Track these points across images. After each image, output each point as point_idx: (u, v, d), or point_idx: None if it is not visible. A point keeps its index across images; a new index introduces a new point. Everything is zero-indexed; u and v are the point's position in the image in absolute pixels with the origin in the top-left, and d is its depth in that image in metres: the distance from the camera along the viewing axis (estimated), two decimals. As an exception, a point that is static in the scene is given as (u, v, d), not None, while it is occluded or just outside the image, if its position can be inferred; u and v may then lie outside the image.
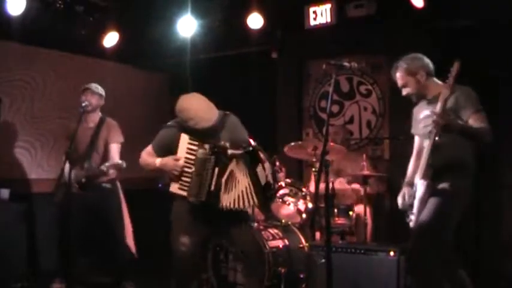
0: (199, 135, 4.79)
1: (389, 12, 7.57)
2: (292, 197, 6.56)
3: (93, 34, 8.10)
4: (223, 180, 4.68)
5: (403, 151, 7.71)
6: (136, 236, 6.98)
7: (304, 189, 6.59)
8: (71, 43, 8.19)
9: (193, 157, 4.80)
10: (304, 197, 6.52)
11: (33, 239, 7.67)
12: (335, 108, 8.63)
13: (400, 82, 4.98)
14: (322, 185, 4.61)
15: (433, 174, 4.62)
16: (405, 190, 5.02)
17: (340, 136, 7.57)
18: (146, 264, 7.52)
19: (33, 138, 8.17)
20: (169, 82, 10.39)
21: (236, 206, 4.69)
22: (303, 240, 6.36)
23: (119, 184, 6.78)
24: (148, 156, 5.06)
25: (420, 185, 4.72)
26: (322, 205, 5.93)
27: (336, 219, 6.66)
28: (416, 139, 5.12)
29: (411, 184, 4.95)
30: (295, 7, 8.02)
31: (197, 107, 4.85)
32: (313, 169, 6.48)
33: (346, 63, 4.58)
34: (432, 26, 7.45)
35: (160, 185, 8.57)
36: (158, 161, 4.95)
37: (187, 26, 8.00)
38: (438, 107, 4.53)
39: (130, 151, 6.57)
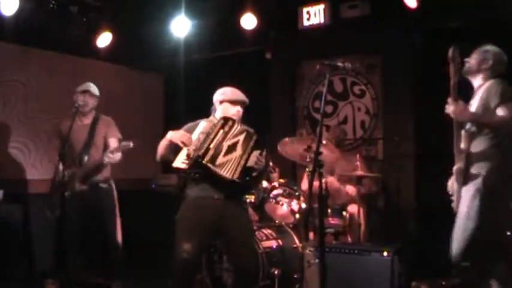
0: None
1: (383, 13, 7.59)
2: (286, 197, 6.57)
3: (87, 34, 8.08)
4: (227, 144, 4.77)
5: (397, 151, 7.77)
6: (129, 236, 6.96)
7: (297, 190, 6.60)
8: (65, 43, 8.17)
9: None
10: (297, 198, 6.53)
11: (27, 240, 7.66)
12: (329, 109, 8.65)
13: (473, 55, 4.96)
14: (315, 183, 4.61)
15: (468, 160, 4.65)
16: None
17: (339, 136, 7.60)
18: (139, 265, 7.51)
19: (27, 138, 8.14)
20: (163, 82, 10.39)
21: (221, 169, 4.69)
22: (297, 241, 6.36)
23: (113, 183, 6.77)
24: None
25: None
26: (316, 205, 5.93)
27: (330, 219, 6.67)
28: None
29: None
30: (289, 7, 8.03)
31: (231, 88, 5.19)
32: (307, 169, 6.49)
33: (339, 64, 4.57)
34: (425, 26, 7.47)
35: (153, 186, 8.58)
36: (169, 133, 4.97)
37: (181, 27, 8.01)
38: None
39: (124, 152, 6.57)
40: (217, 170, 4.69)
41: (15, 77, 8.08)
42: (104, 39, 8.15)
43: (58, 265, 6.43)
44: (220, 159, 4.72)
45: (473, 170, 4.66)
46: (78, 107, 6.40)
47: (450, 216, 4.76)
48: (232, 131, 4.85)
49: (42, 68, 8.35)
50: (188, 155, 4.76)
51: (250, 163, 4.78)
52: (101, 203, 6.60)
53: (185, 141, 4.81)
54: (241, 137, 4.82)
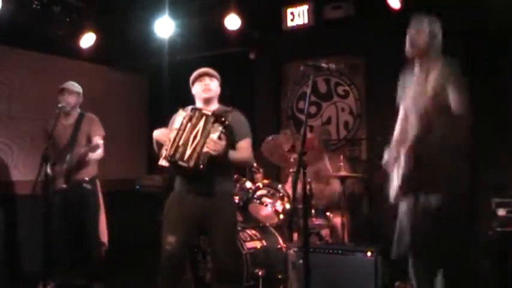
0: None
1: (366, 14, 7.62)
2: (270, 198, 6.55)
3: (70, 35, 8.04)
4: (192, 136, 4.72)
5: (381, 152, 7.79)
6: (113, 237, 6.94)
7: (281, 190, 6.60)
8: (48, 44, 8.14)
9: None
10: (281, 198, 6.53)
11: (12, 242, 7.63)
12: (313, 109, 8.67)
13: (418, 33, 4.87)
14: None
15: (427, 154, 4.57)
16: (393, 151, 4.92)
17: (322, 136, 7.63)
18: (123, 265, 7.49)
19: (9, 139, 8.10)
20: (147, 83, 10.38)
21: (187, 162, 4.67)
22: (281, 241, 6.37)
23: (98, 183, 6.75)
24: None
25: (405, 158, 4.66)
26: (300, 206, 5.94)
27: (313, 219, 6.67)
28: (401, 106, 5.02)
29: (397, 148, 4.85)
30: (273, 8, 8.04)
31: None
32: (291, 169, 6.51)
33: (323, 65, 4.58)
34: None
35: (137, 187, 8.56)
36: (155, 132, 4.99)
37: (164, 27, 7.99)
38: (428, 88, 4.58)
39: (107, 152, 6.55)
40: (184, 164, 4.69)
41: (-3, 78, 8.05)
42: (87, 40, 8.11)
43: (44, 266, 6.38)
44: (187, 153, 4.70)
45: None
46: (60, 108, 6.37)
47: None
48: (197, 121, 4.78)
49: (25, 68, 8.30)
50: (161, 154, 4.79)
51: (207, 148, 4.67)
52: (85, 204, 6.58)
53: (164, 139, 4.83)
54: (201, 123, 4.75)
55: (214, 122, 4.73)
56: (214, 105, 5.15)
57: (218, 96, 5.24)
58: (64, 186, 6.42)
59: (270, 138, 6.70)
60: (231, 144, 4.90)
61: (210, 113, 4.79)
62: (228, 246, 4.98)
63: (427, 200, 4.60)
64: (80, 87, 6.73)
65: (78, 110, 6.75)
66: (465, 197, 4.66)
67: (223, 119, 4.78)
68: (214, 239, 4.95)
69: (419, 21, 4.87)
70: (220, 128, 4.74)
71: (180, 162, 4.70)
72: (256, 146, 6.93)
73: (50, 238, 6.31)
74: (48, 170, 6.24)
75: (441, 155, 4.54)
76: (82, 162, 6.49)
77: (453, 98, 4.53)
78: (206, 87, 5.10)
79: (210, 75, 5.19)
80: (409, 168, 4.60)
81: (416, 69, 4.88)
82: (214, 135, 4.70)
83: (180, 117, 4.88)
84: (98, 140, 6.55)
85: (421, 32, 4.82)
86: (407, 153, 4.61)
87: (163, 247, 4.84)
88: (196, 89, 5.15)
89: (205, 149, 4.66)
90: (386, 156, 4.93)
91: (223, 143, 4.74)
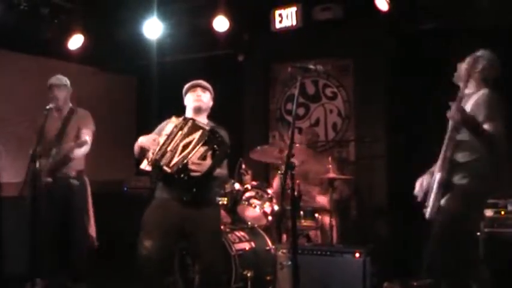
0: None
1: (355, 16, 7.64)
2: (258, 199, 6.56)
3: (59, 36, 8.02)
4: (182, 144, 4.70)
5: (369, 153, 7.82)
6: (101, 238, 6.92)
7: (269, 192, 6.61)
8: (36, 45, 8.11)
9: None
10: (270, 200, 6.54)
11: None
12: (301, 111, 8.67)
13: (465, 61, 4.85)
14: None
15: (452, 170, 4.58)
16: (425, 177, 4.85)
17: (311, 138, 7.64)
18: (111, 267, 7.48)
19: (-3, 141, 8.07)
20: (135, 85, 10.36)
21: (171, 168, 4.65)
22: (270, 243, 6.37)
23: (87, 179, 6.70)
24: None
25: (436, 177, 4.64)
26: (288, 207, 5.94)
27: (302, 221, 6.68)
28: None
29: (432, 173, 4.79)
30: (261, 10, 8.04)
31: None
32: (279, 171, 6.51)
33: (311, 66, 4.57)
34: (397, 29, 7.53)
35: (125, 189, 8.53)
36: (140, 138, 4.97)
37: (153, 29, 7.98)
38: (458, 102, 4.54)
39: (95, 155, 6.53)
40: (168, 169, 4.66)
41: (-14, 79, 8.01)
42: (76, 41, 8.09)
43: (31, 267, 6.34)
44: (174, 160, 4.67)
45: (457, 179, 4.60)
46: (48, 109, 6.29)
47: (422, 217, 4.77)
48: (190, 130, 4.75)
49: (14, 70, 8.27)
50: (147, 158, 4.80)
51: (190, 166, 4.62)
52: (71, 201, 6.49)
53: (152, 145, 4.82)
54: (197, 135, 4.69)
55: (208, 136, 4.68)
56: (203, 119, 5.11)
57: (209, 110, 5.22)
58: (49, 180, 6.34)
59: (258, 148, 6.71)
60: (220, 162, 4.87)
61: (207, 128, 4.73)
62: (213, 248, 4.97)
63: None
64: (66, 78, 6.64)
65: (70, 105, 6.67)
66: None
67: (217, 135, 4.75)
68: (199, 242, 4.93)
69: (472, 55, 4.86)
70: (213, 145, 4.71)
71: (165, 168, 4.68)
72: (246, 148, 6.97)
73: (36, 239, 6.27)
74: (37, 165, 6.14)
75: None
76: (67, 158, 6.41)
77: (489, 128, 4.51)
78: (198, 98, 5.11)
79: (203, 87, 5.19)
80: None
81: (460, 92, 4.89)
82: (202, 151, 4.65)
83: (171, 124, 4.89)
84: (86, 136, 6.41)
85: (464, 63, 4.83)
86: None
87: (139, 251, 4.81)
88: (188, 99, 5.16)
89: (190, 166, 4.64)
90: (417, 186, 4.90)
91: (207, 162, 4.67)
